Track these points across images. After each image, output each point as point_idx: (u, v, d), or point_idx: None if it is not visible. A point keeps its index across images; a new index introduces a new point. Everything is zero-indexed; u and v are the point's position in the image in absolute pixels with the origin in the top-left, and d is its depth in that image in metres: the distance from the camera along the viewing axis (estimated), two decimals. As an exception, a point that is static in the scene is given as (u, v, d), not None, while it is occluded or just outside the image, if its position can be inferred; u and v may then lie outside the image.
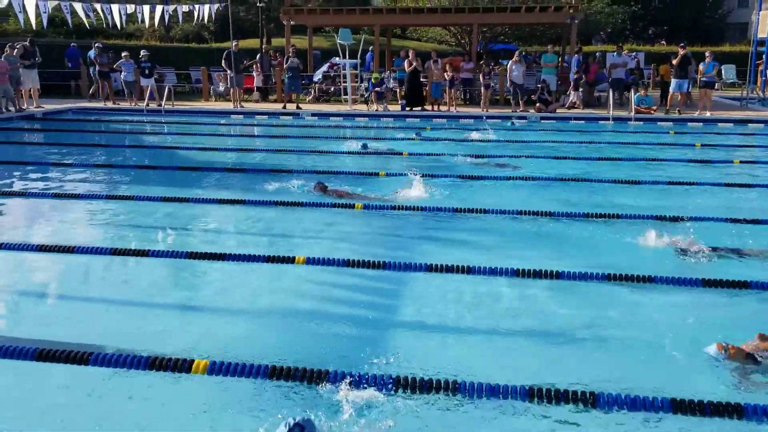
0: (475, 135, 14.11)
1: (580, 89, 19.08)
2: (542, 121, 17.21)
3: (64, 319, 4.94)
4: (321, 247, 6.48)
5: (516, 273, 5.63)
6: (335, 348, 4.43)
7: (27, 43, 18.15)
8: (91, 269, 5.98)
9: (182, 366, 4.01)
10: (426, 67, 19.11)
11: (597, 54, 21.83)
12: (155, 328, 4.77)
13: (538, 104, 18.57)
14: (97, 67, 19.91)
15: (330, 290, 5.50)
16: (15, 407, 3.68)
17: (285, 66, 19.51)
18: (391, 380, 3.86)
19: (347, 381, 3.82)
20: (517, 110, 18.62)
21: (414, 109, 18.85)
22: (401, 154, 11.54)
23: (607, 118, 17.03)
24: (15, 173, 10.33)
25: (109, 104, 19.64)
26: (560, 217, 7.43)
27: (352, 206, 7.82)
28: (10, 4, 15.75)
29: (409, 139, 13.70)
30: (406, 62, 18.98)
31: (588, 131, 15.16)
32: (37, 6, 15.50)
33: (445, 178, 9.74)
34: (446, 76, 19.03)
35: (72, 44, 22.82)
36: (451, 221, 7.40)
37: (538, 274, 5.61)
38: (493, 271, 5.67)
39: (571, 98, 19.56)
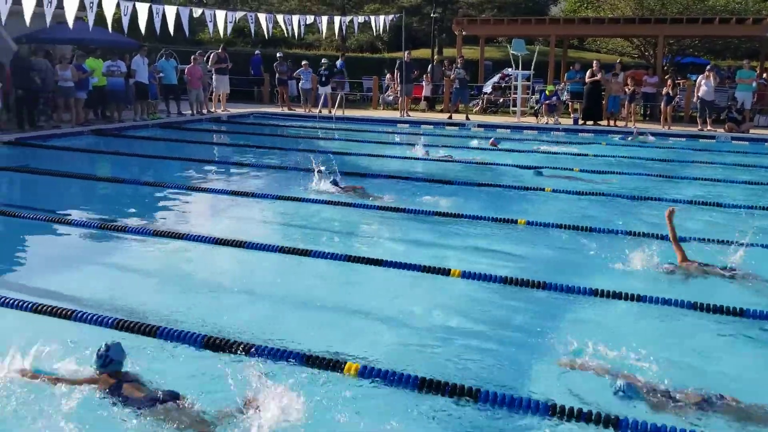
0: (659, 153, 13.22)
1: None
2: (733, 141, 15.73)
3: (231, 310, 5.18)
4: (479, 261, 6.29)
5: (694, 306, 5.10)
6: (485, 366, 4.24)
7: (220, 50, 19.76)
8: (260, 265, 6.27)
9: (335, 366, 4.03)
10: (605, 80, 18.19)
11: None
12: (312, 326, 4.86)
13: (728, 123, 16.98)
14: (277, 75, 21.19)
15: (484, 307, 5.31)
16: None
17: (452, 76, 19.55)
18: (546, 407, 3.63)
19: (498, 402, 3.66)
20: (705, 128, 17.16)
21: (588, 123, 18.05)
22: (571, 170, 11.03)
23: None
24: (200, 170, 11.21)
25: (286, 110, 20.81)
26: (755, 247, 6.58)
27: (515, 221, 7.55)
28: (203, 15, 17.18)
29: (581, 154, 13.09)
30: (588, 72, 18.21)
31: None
32: (225, 17, 16.77)
33: (620, 198, 9.15)
34: (626, 90, 18.00)
35: (257, 53, 24.48)
36: (622, 243, 6.88)
37: (718, 310, 5.03)
38: (666, 302, 5.18)
39: None
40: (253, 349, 4.20)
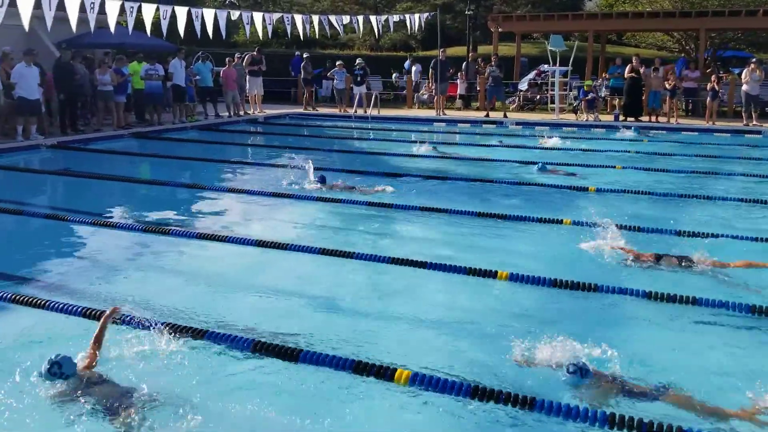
0: (699, 150, 12.89)
1: None
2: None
3: (276, 314, 5.14)
4: (527, 263, 6.14)
5: (751, 310, 4.92)
6: (540, 375, 4.11)
7: (255, 52, 19.86)
8: (302, 267, 6.21)
9: (385, 373, 3.95)
10: (644, 75, 17.79)
11: None
12: (359, 331, 4.79)
13: (775, 117, 16.49)
14: (302, 74, 21.11)
15: (533, 311, 5.17)
16: (228, 394, 3.85)
17: (486, 74, 19.34)
18: (603, 417, 3.50)
19: (556, 411, 3.54)
20: (750, 123, 16.67)
21: (629, 119, 17.69)
22: (613, 167, 10.78)
23: None
24: (237, 171, 11.24)
25: (309, 110, 20.77)
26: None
27: (560, 221, 7.37)
28: (240, 17, 17.30)
29: (623, 151, 12.80)
30: (627, 68, 17.84)
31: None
32: (263, 18, 16.85)
33: (668, 196, 8.91)
34: (667, 85, 17.58)
35: (297, 53, 24.53)
36: (671, 243, 6.68)
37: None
38: (723, 305, 4.99)
39: None
40: (302, 354, 4.15)
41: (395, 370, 3.95)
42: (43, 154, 12.76)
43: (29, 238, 7.39)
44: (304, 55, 21.63)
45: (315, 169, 9.59)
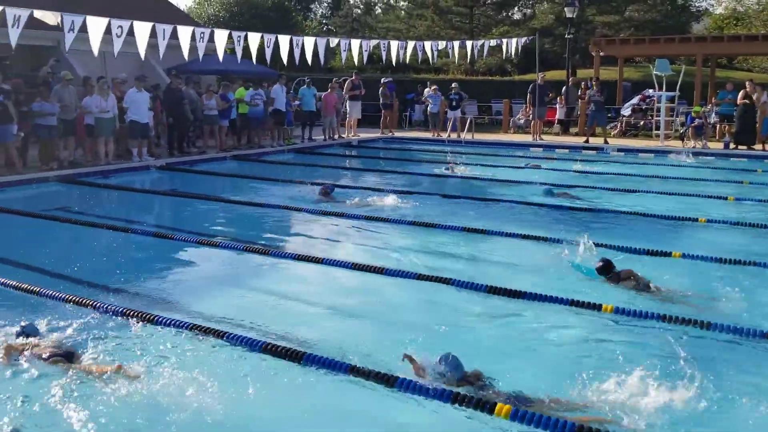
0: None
1: None
2: None
3: (370, 338, 5.11)
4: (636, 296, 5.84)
5: None
6: (643, 411, 3.84)
7: (354, 77, 20.25)
8: (399, 292, 6.16)
9: (484, 406, 3.82)
10: (758, 101, 16.75)
11: None
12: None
13: None
14: (381, 100, 21.26)
15: (641, 347, 4.87)
16: (319, 416, 3.82)
17: (587, 98, 18.83)
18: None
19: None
20: None
21: (741, 147, 16.69)
22: (726, 198, 10.17)
23: None
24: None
25: (386, 133, 20.90)
26: None
27: (669, 254, 6.94)
28: (338, 44, 17.72)
29: (734, 182, 12.07)
30: (740, 93, 16.89)
31: None
32: (360, 45, 17.17)
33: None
34: (784, 112, 16.49)
35: (389, 79, 24.82)
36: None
37: None
38: None
39: None
40: (397, 382, 4.08)
41: (495, 404, 3.81)
42: (152, 174, 13.44)
43: (138, 254, 7.74)
44: (383, 80, 21.83)
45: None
